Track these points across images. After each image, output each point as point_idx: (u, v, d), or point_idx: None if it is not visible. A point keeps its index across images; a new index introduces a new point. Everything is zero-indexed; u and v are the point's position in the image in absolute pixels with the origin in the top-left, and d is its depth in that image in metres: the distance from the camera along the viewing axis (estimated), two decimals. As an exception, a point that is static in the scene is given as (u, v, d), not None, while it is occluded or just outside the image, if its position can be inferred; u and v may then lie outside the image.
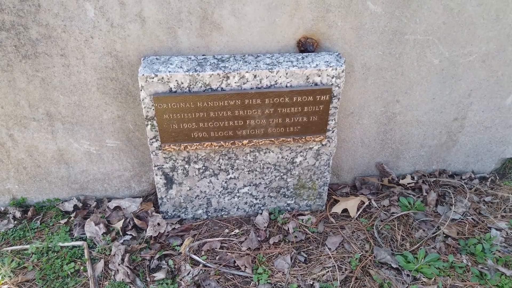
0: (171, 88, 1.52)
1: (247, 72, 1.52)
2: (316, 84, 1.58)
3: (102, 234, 1.79)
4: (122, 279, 1.61)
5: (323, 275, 1.68)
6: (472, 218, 1.93)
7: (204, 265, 1.70)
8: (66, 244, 1.75)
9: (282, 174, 1.85)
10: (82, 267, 1.67)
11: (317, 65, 1.56)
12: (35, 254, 1.71)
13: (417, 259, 1.72)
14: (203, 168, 1.77)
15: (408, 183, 2.11)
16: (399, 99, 1.87)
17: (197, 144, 1.65)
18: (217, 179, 1.82)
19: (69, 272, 1.65)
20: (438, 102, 1.91)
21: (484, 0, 1.63)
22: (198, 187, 1.83)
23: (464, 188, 2.09)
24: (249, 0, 1.52)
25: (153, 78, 1.48)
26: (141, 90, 1.51)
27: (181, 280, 1.64)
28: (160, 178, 1.78)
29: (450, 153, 2.13)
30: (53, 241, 1.75)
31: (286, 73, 1.54)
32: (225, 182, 1.84)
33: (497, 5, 1.65)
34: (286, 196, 1.94)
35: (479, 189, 2.11)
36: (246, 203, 1.93)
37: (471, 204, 2.00)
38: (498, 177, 2.19)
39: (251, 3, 1.53)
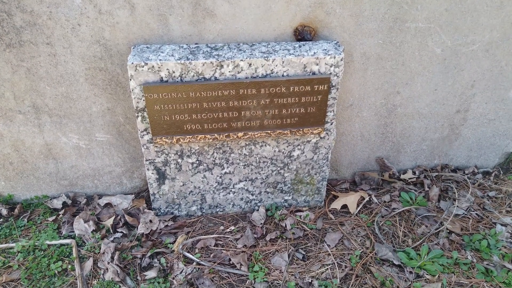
0: (162, 77, 1.45)
1: (241, 60, 1.45)
2: (313, 73, 1.52)
3: (91, 232, 1.72)
4: (112, 278, 1.54)
5: (322, 272, 1.61)
6: (476, 214, 1.86)
7: (198, 263, 1.63)
8: (53, 242, 1.68)
9: (279, 168, 1.78)
10: (70, 266, 1.59)
11: (314, 53, 1.49)
12: (21, 252, 1.64)
13: (420, 256, 1.66)
14: (197, 162, 1.70)
15: (410, 178, 2.04)
16: (400, 91, 1.81)
17: (190, 136, 1.58)
18: (212, 174, 1.75)
19: (56, 271, 1.57)
20: (440, 94, 1.85)
21: (487, -14, 1.57)
22: (191, 182, 1.76)
23: (467, 183, 2.02)
24: (243, -15, 1.46)
25: (143, 66, 1.42)
26: (130, 80, 1.44)
27: (173, 278, 1.57)
28: (152, 173, 1.71)
29: (453, 147, 2.06)
30: (40, 239, 1.68)
31: (283, 62, 1.47)
32: (220, 177, 1.77)
33: (501, -9, 1.59)
34: (283, 191, 1.87)
35: (482, 184, 2.04)
36: (242, 199, 1.86)
37: (475, 199, 1.93)
38: (502, 172, 2.13)
39: (246, -11, 1.47)
